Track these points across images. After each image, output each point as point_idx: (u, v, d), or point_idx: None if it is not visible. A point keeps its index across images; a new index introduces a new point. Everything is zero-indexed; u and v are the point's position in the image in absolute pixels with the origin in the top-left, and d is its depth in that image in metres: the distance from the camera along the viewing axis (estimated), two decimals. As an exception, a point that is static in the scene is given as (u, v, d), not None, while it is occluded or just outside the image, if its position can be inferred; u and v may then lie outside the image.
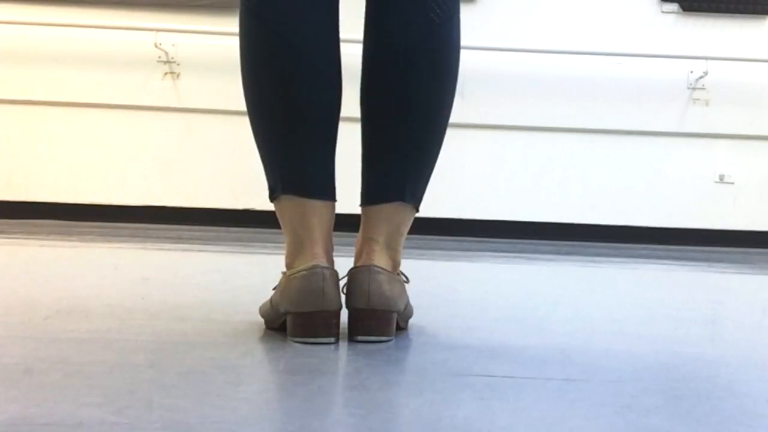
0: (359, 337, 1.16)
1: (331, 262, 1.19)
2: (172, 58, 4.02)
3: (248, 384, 0.94)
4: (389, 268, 1.19)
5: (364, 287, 1.15)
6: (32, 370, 0.94)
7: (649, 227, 4.12)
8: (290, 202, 1.19)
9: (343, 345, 1.15)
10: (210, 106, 4.02)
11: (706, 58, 4.02)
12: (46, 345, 1.09)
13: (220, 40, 3.88)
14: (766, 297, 2.29)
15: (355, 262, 1.21)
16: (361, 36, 1.23)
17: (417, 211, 1.25)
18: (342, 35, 1.22)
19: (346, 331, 1.18)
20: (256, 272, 2.20)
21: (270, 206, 1.22)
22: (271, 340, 1.17)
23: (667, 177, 4.16)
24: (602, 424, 0.81)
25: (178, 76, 4.04)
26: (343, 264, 1.21)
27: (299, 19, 1.16)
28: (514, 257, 2.99)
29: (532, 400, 0.89)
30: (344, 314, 1.17)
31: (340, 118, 1.22)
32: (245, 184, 3.91)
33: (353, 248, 1.23)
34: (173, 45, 4.00)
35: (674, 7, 4.14)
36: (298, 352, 1.09)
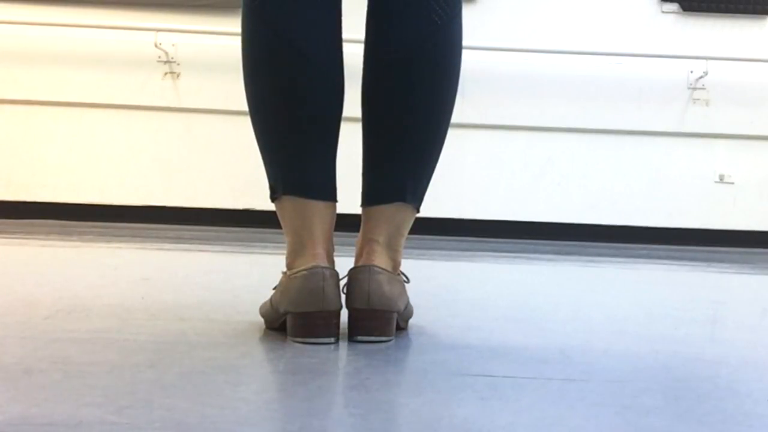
0: (359, 337, 1.16)
1: (332, 263, 1.19)
2: (172, 58, 4.02)
3: (248, 384, 0.94)
4: (389, 269, 1.19)
5: (364, 287, 1.15)
6: (32, 370, 0.94)
7: (649, 227, 4.12)
8: (291, 202, 1.19)
9: (343, 345, 1.15)
10: (210, 106, 4.02)
11: (706, 58, 4.02)
12: (46, 345, 1.09)
13: (220, 40, 3.88)
14: (766, 297, 2.29)
15: (356, 262, 1.21)
16: (362, 36, 1.23)
17: (418, 211, 1.25)
18: (343, 35, 1.22)
19: (346, 331, 1.18)
20: (256, 272, 2.21)
21: (270, 206, 1.22)
22: (271, 340, 1.17)
23: (667, 177, 4.16)
24: (602, 424, 0.81)
25: (178, 76, 4.04)
26: (344, 264, 1.21)
27: (302, 19, 1.16)
28: (514, 257, 2.99)
29: (532, 400, 0.89)
30: (344, 314, 1.17)
31: (342, 119, 1.22)
32: (245, 184, 3.91)
33: (353, 248, 1.23)
34: (173, 45, 4.00)
35: (674, 7, 4.14)
36: (298, 352, 1.09)
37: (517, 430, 0.78)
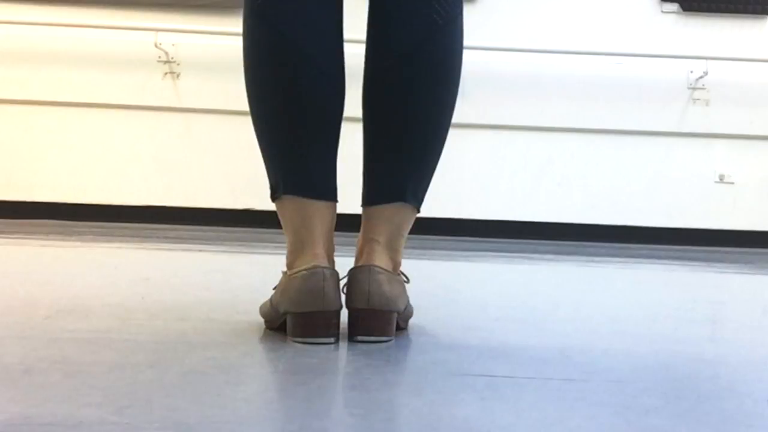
0: (359, 337, 1.16)
1: (332, 263, 1.19)
2: (172, 58, 4.02)
3: (248, 384, 0.94)
4: (390, 269, 1.19)
5: (364, 287, 1.15)
6: (32, 370, 0.94)
7: (649, 227, 4.12)
8: (292, 202, 1.19)
9: (343, 345, 1.15)
10: (210, 106, 4.02)
11: (706, 58, 4.02)
12: (46, 345, 1.09)
13: (220, 40, 3.88)
14: (766, 297, 2.29)
15: (356, 262, 1.21)
16: (363, 36, 1.23)
17: (418, 211, 1.25)
18: (345, 35, 1.22)
19: (346, 331, 1.18)
20: (256, 272, 2.20)
21: (270, 206, 1.22)
22: (271, 340, 1.17)
23: (667, 177, 4.16)
24: (602, 424, 0.81)
25: (178, 76, 4.04)
26: (344, 264, 1.21)
27: (303, 19, 1.16)
28: (514, 257, 2.99)
29: (532, 400, 0.89)
30: (344, 314, 1.17)
31: (342, 118, 1.22)
32: (245, 184, 3.91)
33: (354, 248, 1.23)
34: (173, 45, 4.00)
35: (674, 7, 4.14)
36: (298, 352, 1.09)
37: (518, 430, 0.78)
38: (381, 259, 1.18)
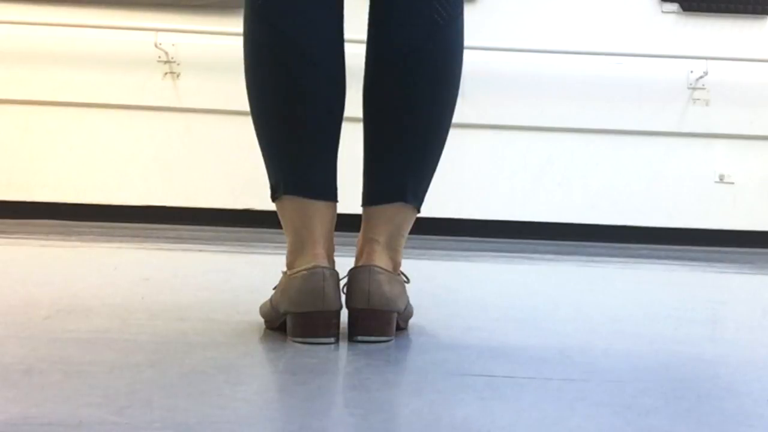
0: (359, 337, 1.16)
1: (332, 263, 1.19)
2: (172, 58, 4.02)
3: (248, 384, 0.94)
4: (390, 269, 1.19)
5: (364, 287, 1.15)
6: (32, 370, 0.94)
7: (649, 227, 4.12)
8: (292, 202, 1.19)
9: (343, 345, 1.15)
10: (210, 106, 4.02)
11: (706, 58, 4.02)
12: (46, 345, 1.09)
13: (220, 40, 3.88)
14: (766, 297, 2.29)
15: (356, 262, 1.21)
16: (363, 36, 1.23)
17: (418, 211, 1.25)
18: (345, 35, 1.22)
19: (346, 331, 1.18)
20: (256, 272, 2.20)
21: (270, 206, 1.22)
22: (271, 340, 1.17)
23: (667, 177, 4.16)
24: (602, 424, 0.81)
25: (178, 76, 4.04)
26: (344, 264, 1.21)
27: (304, 19, 1.17)
28: (514, 257, 2.99)
29: (532, 400, 0.89)
30: (344, 314, 1.17)
31: (343, 118, 1.22)
32: (245, 184, 3.91)
33: (354, 248, 1.24)
34: (173, 45, 4.00)
35: (674, 7, 4.14)
36: (298, 352, 1.09)
37: (517, 430, 0.78)
38: (381, 259, 1.18)
